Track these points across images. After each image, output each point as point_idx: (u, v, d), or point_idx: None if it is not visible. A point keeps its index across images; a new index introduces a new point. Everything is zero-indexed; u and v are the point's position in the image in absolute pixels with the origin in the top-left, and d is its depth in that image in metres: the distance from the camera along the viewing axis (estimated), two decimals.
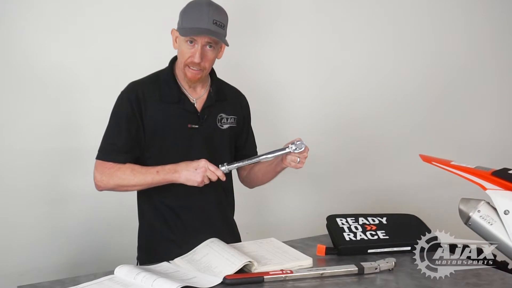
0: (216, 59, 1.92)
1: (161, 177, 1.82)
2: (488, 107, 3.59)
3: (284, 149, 1.84)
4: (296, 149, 1.82)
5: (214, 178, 1.80)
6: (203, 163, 1.79)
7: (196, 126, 1.93)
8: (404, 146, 3.18)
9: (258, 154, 2.12)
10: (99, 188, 1.88)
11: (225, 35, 1.87)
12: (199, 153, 1.91)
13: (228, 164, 1.84)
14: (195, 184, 1.80)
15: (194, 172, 1.79)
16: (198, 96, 1.95)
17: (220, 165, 1.82)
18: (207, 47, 1.84)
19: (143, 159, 1.91)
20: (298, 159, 1.84)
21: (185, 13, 1.85)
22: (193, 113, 1.93)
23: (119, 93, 1.92)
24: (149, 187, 1.87)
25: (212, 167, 1.79)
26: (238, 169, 2.15)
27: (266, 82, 2.84)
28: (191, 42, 1.83)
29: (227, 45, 1.87)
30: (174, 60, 1.97)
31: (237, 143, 2.07)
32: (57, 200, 2.39)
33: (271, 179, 2.07)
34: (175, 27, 1.90)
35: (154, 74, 1.97)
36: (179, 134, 1.91)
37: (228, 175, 2.05)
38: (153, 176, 1.83)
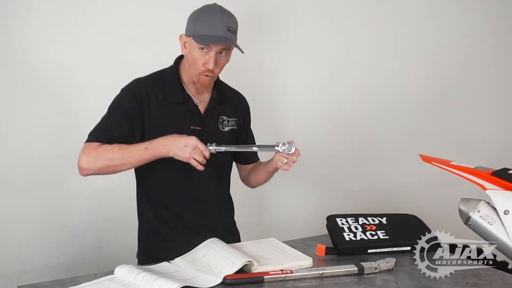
0: None
1: (150, 153, 1.79)
2: (488, 107, 3.59)
3: (273, 146, 1.84)
4: (285, 150, 1.82)
5: (200, 159, 1.77)
6: (192, 140, 1.76)
7: (199, 128, 1.92)
8: (404, 146, 3.18)
9: (257, 152, 2.13)
10: (84, 171, 1.80)
11: (236, 40, 1.87)
12: None
13: (216, 145, 1.82)
14: (183, 160, 1.77)
15: (184, 149, 1.76)
16: (201, 98, 1.95)
17: (208, 144, 1.80)
18: (220, 53, 1.84)
19: None
20: (286, 160, 1.85)
21: (198, 20, 1.83)
22: (196, 115, 1.93)
23: (119, 92, 1.91)
24: (138, 165, 1.83)
25: (201, 146, 1.77)
26: (239, 170, 2.16)
27: (267, 83, 2.84)
28: (204, 49, 1.82)
29: (243, 52, 1.86)
30: (178, 60, 1.97)
31: (237, 143, 2.07)
32: (57, 200, 2.39)
33: (267, 178, 2.07)
34: (176, 26, 1.90)
35: (158, 73, 1.96)
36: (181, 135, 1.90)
37: (227, 175, 2.05)
38: (142, 153, 1.78)
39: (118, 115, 1.85)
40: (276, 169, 1.96)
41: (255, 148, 1.93)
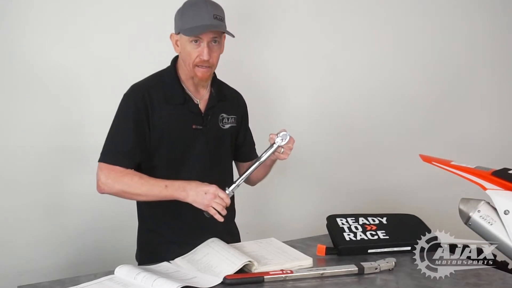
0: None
1: (168, 193, 1.79)
2: (488, 107, 3.59)
3: (272, 146, 1.84)
4: (282, 141, 1.82)
5: (219, 207, 1.75)
6: (213, 189, 1.76)
7: (200, 127, 1.92)
8: (404, 146, 3.18)
9: (256, 150, 2.14)
10: (102, 191, 1.84)
11: (226, 27, 1.88)
12: (200, 154, 1.91)
13: (228, 187, 1.81)
14: (201, 207, 1.77)
15: (203, 196, 1.76)
16: (201, 97, 1.95)
17: (226, 189, 1.80)
18: (212, 42, 1.84)
19: (146, 160, 1.90)
20: (282, 150, 1.84)
21: (183, 14, 1.84)
22: (197, 114, 1.93)
23: (119, 92, 1.91)
24: (153, 200, 1.83)
25: (222, 194, 1.76)
26: (238, 168, 2.16)
27: (266, 82, 2.84)
28: (195, 41, 1.83)
29: (233, 36, 1.86)
30: (175, 60, 1.97)
31: (236, 141, 2.09)
32: (57, 200, 2.39)
33: (266, 172, 2.08)
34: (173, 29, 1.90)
35: (156, 75, 1.96)
36: (184, 135, 1.90)
37: (229, 177, 2.05)
38: (160, 190, 1.79)
39: (126, 126, 1.85)
40: (274, 161, 1.97)
41: (260, 161, 1.85)
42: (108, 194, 1.85)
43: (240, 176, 1.87)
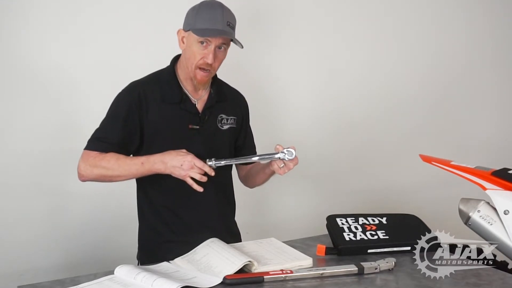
0: None
1: (145, 169, 1.80)
2: (488, 107, 3.59)
3: (274, 154, 1.82)
4: (285, 156, 1.80)
5: (197, 176, 1.76)
6: (189, 158, 1.76)
7: (197, 127, 1.92)
8: (404, 146, 3.18)
9: (257, 153, 2.12)
10: (82, 177, 1.83)
11: (235, 36, 1.88)
12: (198, 154, 1.90)
13: (215, 160, 1.80)
14: (180, 178, 1.78)
15: (180, 168, 1.76)
16: (199, 97, 1.95)
17: (207, 160, 1.79)
18: (219, 48, 1.85)
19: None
20: (282, 165, 1.83)
21: (198, 14, 1.84)
22: (194, 113, 1.93)
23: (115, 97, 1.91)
24: (133, 178, 1.84)
25: (198, 163, 1.76)
26: (237, 170, 2.15)
27: (267, 82, 2.84)
28: (203, 43, 1.82)
29: (242, 47, 1.86)
30: (175, 59, 1.97)
31: (237, 143, 2.08)
32: (57, 200, 2.39)
33: (265, 180, 2.06)
34: (176, 27, 1.90)
35: (155, 74, 1.96)
36: (179, 135, 1.90)
37: (228, 176, 2.05)
38: (137, 168, 1.80)
39: (115, 122, 1.86)
40: (273, 172, 1.95)
41: (255, 158, 1.90)
42: (89, 180, 1.84)
43: (228, 159, 1.87)
